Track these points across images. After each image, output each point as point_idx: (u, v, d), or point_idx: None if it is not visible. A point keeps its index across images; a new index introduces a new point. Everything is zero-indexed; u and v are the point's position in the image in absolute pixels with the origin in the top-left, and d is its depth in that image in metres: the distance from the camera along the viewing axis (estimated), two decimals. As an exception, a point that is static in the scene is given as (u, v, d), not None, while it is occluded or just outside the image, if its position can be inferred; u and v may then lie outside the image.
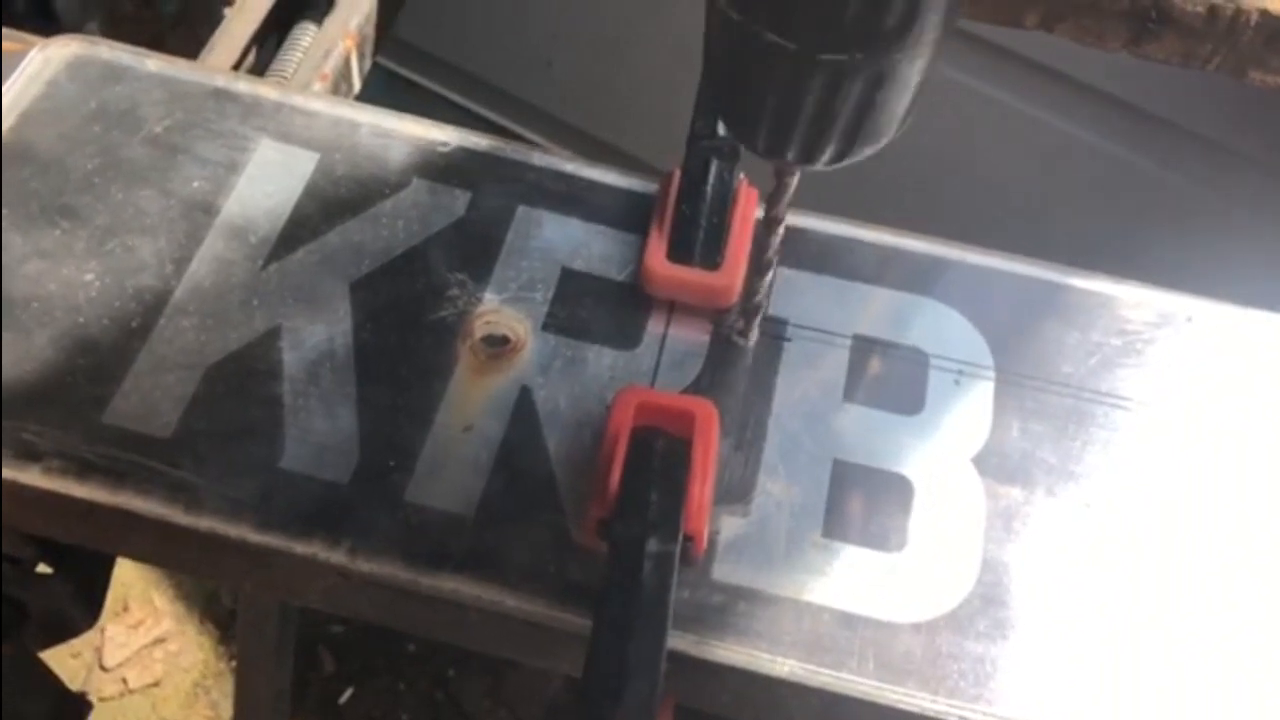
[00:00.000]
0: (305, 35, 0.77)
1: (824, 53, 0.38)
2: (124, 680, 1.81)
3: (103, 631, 2.03)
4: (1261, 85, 0.75)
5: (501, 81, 1.73)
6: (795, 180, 0.48)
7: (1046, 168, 1.32)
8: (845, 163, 0.42)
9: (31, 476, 0.48)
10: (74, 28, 2.60)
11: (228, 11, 0.78)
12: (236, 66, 0.73)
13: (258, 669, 1.14)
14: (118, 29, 2.69)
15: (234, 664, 1.60)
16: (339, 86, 0.76)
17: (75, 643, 2.10)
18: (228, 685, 1.65)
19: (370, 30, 0.79)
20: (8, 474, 0.47)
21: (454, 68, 1.75)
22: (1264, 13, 0.72)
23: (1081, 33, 0.77)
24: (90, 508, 0.48)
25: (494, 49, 1.69)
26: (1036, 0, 0.75)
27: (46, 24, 2.67)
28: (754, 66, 0.39)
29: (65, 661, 2.04)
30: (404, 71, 1.75)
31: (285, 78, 0.74)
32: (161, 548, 0.48)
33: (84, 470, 0.48)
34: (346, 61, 0.77)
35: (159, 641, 1.74)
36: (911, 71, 0.39)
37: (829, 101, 0.39)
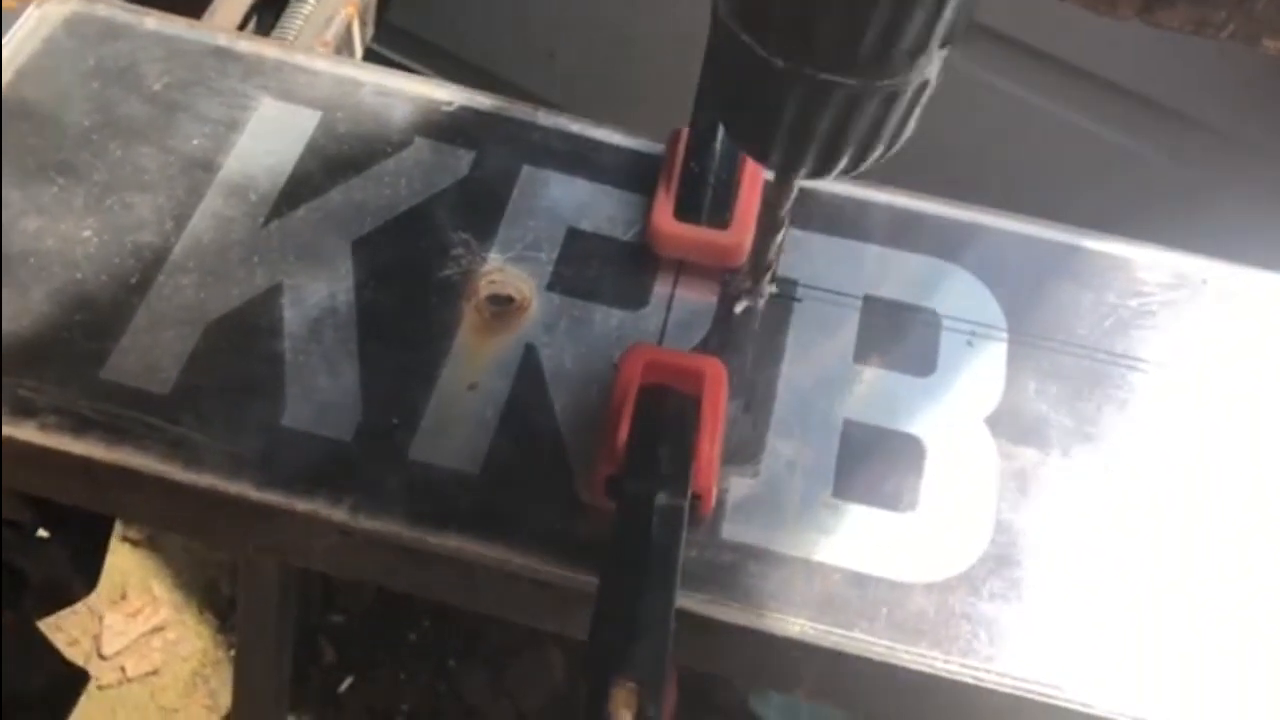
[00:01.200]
0: (307, 2, 0.76)
1: (839, 77, 0.37)
2: (122, 669, 1.80)
3: (101, 620, 2.02)
4: (1276, 53, 0.74)
5: (503, 71, 1.72)
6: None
7: (1050, 156, 1.31)
8: (858, 171, 0.42)
9: (28, 433, 0.47)
10: None
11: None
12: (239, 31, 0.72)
13: (257, 658, 1.13)
14: None
15: (233, 653, 1.59)
16: (340, 54, 0.75)
17: (73, 631, 2.10)
18: (226, 674, 1.65)
19: (371, 1, 0.78)
20: (6, 430, 0.46)
21: (454, 57, 1.74)
22: (1277, -17, 0.71)
23: (1094, 1, 0.76)
24: (88, 464, 0.47)
25: (495, 38, 1.68)
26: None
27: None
28: (768, 89, 0.38)
29: (63, 650, 2.02)
30: (403, 60, 1.74)
31: (287, 40, 0.73)
32: (160, 506, 0.47)
33: (81, 426, 0.47)
34: (348, 28, 0.76)
35: (157, 630, 1.73)
36: (923, 90, 0.38)
37: (843, 121, 0.39)
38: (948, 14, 0.35)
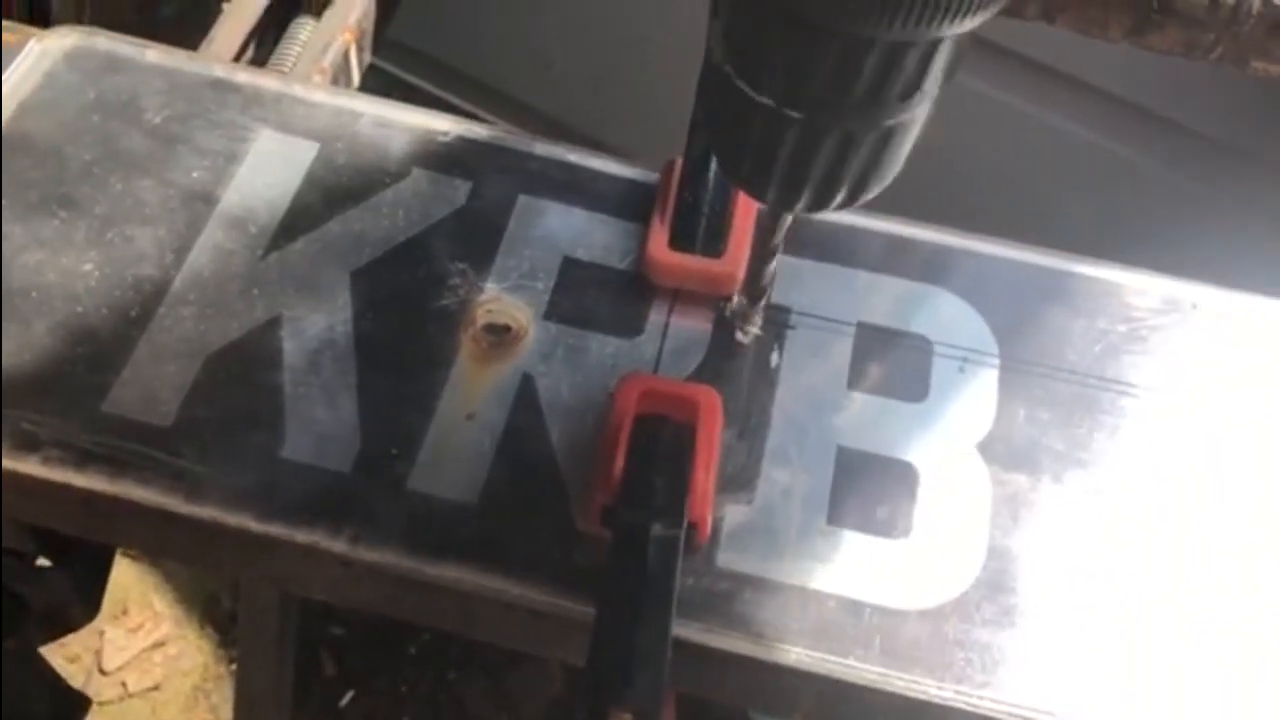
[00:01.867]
0: (303, 29, 0.77)
1: (833, 120, 0.38)
2: (123, 684, 1.81)
3: (102, 635, 2.02)
4: (1264, 75, 0.75)
5: (502, 84, 1.73)
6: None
7: (1046, 166, 1.32)
8: (855, 204, 0.42)
9: (31, 466, 0.47)
10: None
11: (226, 6, 0.77)
12: (236, 61, 0.73)
13: (257, 671, 1.13)
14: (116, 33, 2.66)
15: (234, 667, 1.59)
16: (338, 81, 0.76)
17: (74, 646, 2.11)
18: (228, 689, 1.65)
19: (369, 24, 0.79)
20: (7, 464, 0.47)
21: (453, 70, 1.75)
22: (1265, 2, 0.72)
23: (1084, 23, 0.77)
24: (89, 497, 0.47)
25: (493, 50, 1.69)
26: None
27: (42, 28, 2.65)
28: (763, 131, 0.39)
29: (64, 666, 2.03)
30: (403, 74, 1.75)
31: (284, 72, 0.74)
32: (161, 537, 0.48)
33: (83, 459, 0.48)
34: (345, 56, 0.76)
35: (158, 645, 1.73)
36: (916, 123, 0.39)
37: (839, 160, 0.39)
38: (940, 59, 0.36)
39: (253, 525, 0.47)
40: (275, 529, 0.47)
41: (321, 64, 0.74)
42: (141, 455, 0.48)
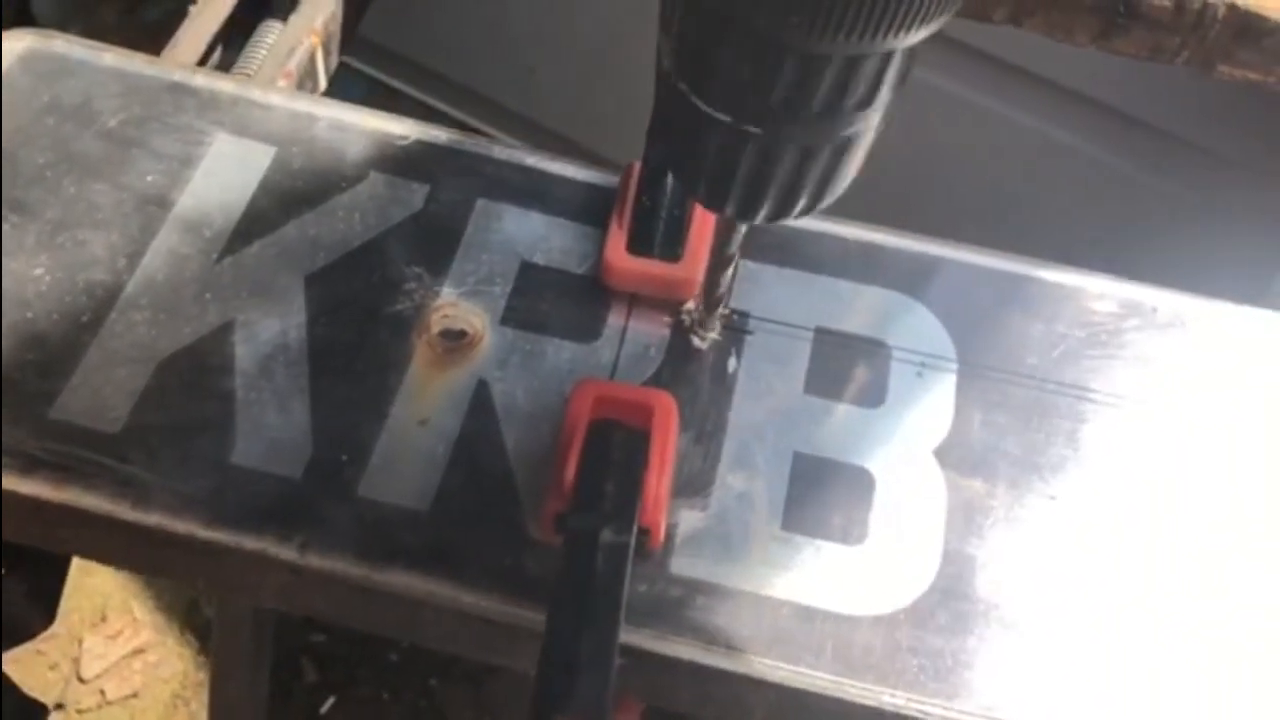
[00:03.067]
0: (270, 33, 0.77)
1: (791, 136, 0.38)
2: (102, 692, 1.79)
3: (80, 643, 2.01)
4: (1229, 79, 0.75)
5: (483, 88, 1.72)
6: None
7: (1024, 169, 1.32)
8: (814, 211, 0.42)
9: (-26, 472, 0.47)
10: None
11: (192, 9, 0.77)
12: (201, 63, 0.72)
13: (232, 680, 1.13)
14: (99, 37, 2.66)
15: (213, 674, 1.59)
16: (304, 84, 0.75)
17: (53, 654, 2.09)
18: (206, 696, 1.64)
19: (336, 28, 0.79)
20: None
21: (434, 73, 1.75)
22: (1230, 6, 0.72)
23: (1051, 27, 0.77)
24: (37, 505, 0.47)
25: (475, 54, 1.69)
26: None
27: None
28: (719, 145, 0.39)
29: (43, 673, 2.01)
30: (382, 76, 1.74)
31: (249, 75, 0.73)
32: (109, 545, 0.48)
33: (30, 466, 0.47)
34: (312, 58, 0.76)
35: (138, 652, 1.73)
36: (873, 128, 0.39)
37: (797, 172, 0.39)
38: (894, 68, 0.36)
39: (200, 532, 0.46)
40: (223, 535, 0.46)
41: (287, 67, 0.74)
42: (89, 461, 0.48)
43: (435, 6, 1.65)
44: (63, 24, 2.91)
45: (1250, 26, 0.72)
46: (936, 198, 1.32)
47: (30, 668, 1.99)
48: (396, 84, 1.77)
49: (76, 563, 2.05)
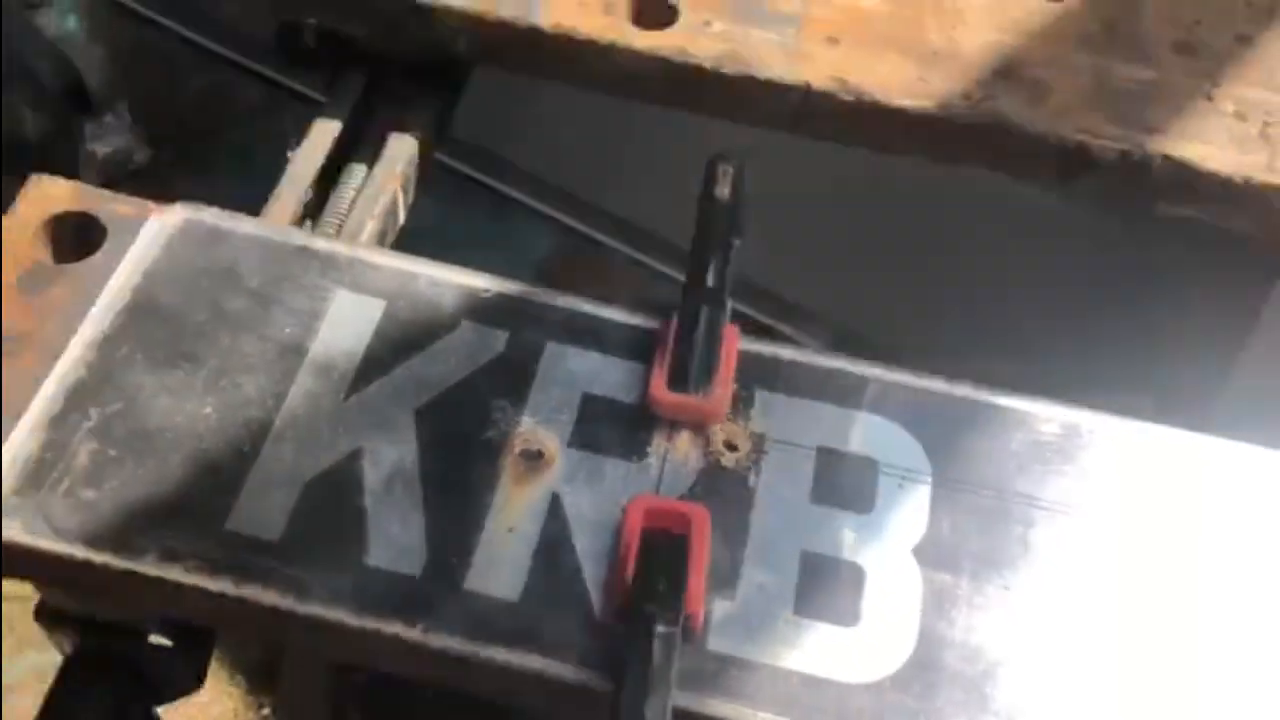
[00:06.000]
0: (355, 176, 0.91)
1: None
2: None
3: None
4: (1169, 219, 0.89)
5: (569, 184, 1.85)
6: None
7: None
8: None
9: (176, 574, 0.61)
10: (106, 106, 2.78)
11: (290, 155, 0.91)
12: (301, 215, 0.86)
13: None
14: (145, 106, 2.86)
15: (265, 712, 1.71)
16: (388, 222, 0.90)
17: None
18: (261, 733, 1.76)
19: (413, 170, 0.93)
20: (159, 572, 0.61)
21: (521, 170, 1.88)
22: (1166, 157, 0.86)
23: (1018, 171, 0.91)
24: (220, 598, 0.61)
25: (559, 151, 1.82)
26: (982, 145, 0.89)
27: (81, 104, 2.84)
28: None
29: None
30: (469, 170, 1.89)
31: (341, 216, 0.88)
32: (276, 631, 0.62)
33: (215, 569, 0.61)
34: (394, 201, 0.90)
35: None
36: None
37: None
38: None
39: (347, 620, 0.61)
40: (365, 622, 0.61)
41: (373, 211, 0.88)
42: (258, 565, 0.62)
43: (520, 105, 1.78)
44: (112, 95, 3.06)
45: (1183, 173, 0.87)
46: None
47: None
48: (483, 178, 1.92)
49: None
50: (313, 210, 0.89)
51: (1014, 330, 1.51)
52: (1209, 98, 0.89)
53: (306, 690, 1.12)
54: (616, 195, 1.89)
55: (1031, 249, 1.47)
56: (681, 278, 0.73)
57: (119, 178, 2.85)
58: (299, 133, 0.90)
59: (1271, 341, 1.44)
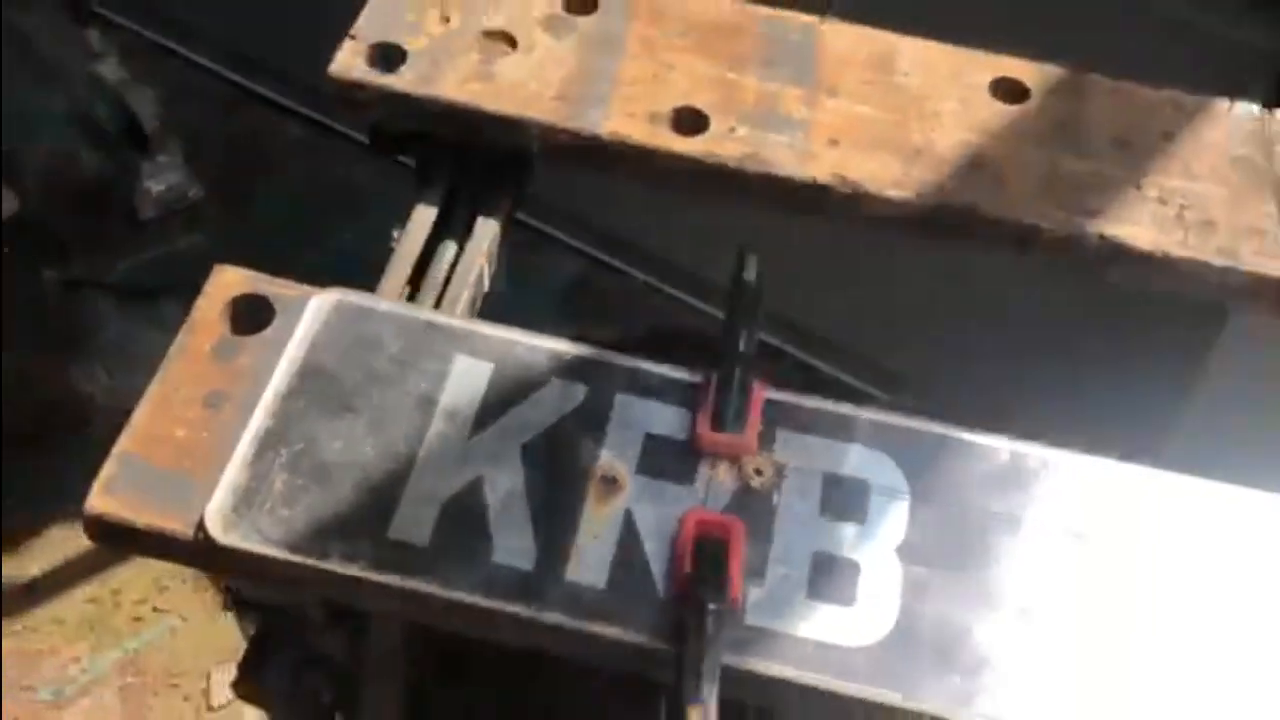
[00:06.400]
0: (449, 252, 1.13)
1: None
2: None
3: (209, 675, 2.40)
4: (1109, 285, 1.11)
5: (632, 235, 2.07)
6: None
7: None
8: None
9: (354, 570, 0.84)
10: (159, 148, 3.06)
11: (395, 235, 1.14)
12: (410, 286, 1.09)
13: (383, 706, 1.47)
14: (196, 141, 3.11)
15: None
16: (477, 290, 1.12)
17: (184, 684, 2.48)
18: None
19: (495, 246, 1.15)
20: (342, 570, 0.83)
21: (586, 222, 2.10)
22: (1101, 236, 1.08)
23: (983, 248, 1.14)
24: (387, 588, 0.84)
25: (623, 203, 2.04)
26: (953, 227, 1.11)
27: (138, 145, 3.12)
28: None
29: (175, 702, 2.41)
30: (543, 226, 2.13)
31: (439, 287, 1.10)
32: (424, 614, 0.85)
33: (382, 566, 0.84)
34: (481, 273, 1.13)
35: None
36: None
37: None
38: None
39: (481, 602, 0.83)
40: (496, 604, 0.83)
41: (467, 282, 1.11)
42: (413, 563, 0.84)
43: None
44: (165, 134, 3.30)
45: (1116, 249, 1.09)
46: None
47: (165, 698, 2.37)
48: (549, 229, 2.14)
49: (205, 610, 2.49)
50: (414, 279, 1.12)
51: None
52: (1138, 186, 1.11)
53: (387, 671, 1.34)
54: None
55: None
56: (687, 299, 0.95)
57: (175, 212, 3.09)
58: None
59: (1221, 378, 1.66)
